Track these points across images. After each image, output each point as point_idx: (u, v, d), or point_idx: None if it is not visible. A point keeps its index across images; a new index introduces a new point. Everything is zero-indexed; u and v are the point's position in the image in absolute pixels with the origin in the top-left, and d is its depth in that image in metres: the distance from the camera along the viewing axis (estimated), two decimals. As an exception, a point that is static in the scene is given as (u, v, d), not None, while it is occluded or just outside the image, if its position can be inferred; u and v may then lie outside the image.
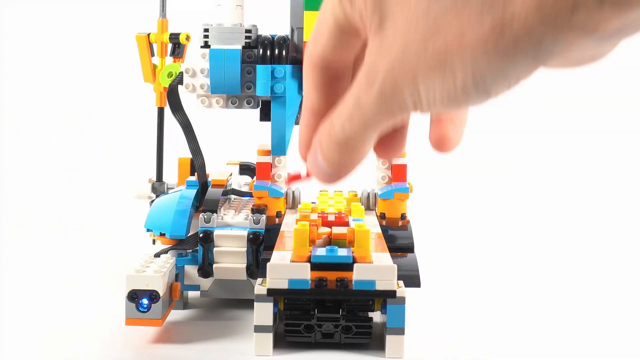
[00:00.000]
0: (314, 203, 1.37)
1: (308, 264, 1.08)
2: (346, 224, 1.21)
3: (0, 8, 2.36)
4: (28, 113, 2.30)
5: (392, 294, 1.07)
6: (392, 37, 0.59)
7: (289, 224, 1.28)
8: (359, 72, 0.62)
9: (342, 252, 1.09)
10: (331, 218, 1.23)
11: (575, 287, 1.50)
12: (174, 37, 1.53)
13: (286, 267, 1.08)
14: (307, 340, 1.14)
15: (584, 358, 1.17)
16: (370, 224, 1.22)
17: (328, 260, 1.08)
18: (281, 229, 1.26)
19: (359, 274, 1.07)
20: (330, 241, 1.18)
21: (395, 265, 1.08)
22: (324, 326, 1.12)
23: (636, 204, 2.07)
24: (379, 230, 1.26)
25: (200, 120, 1.46)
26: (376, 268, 1.08)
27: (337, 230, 1.18)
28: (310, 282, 1.07)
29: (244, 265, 1.26)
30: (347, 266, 1.08)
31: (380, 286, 1.07)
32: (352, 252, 1.10)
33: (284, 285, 1.07)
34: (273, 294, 1.08)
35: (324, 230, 1.18)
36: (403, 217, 1.32)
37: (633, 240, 1.82)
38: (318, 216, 1.24)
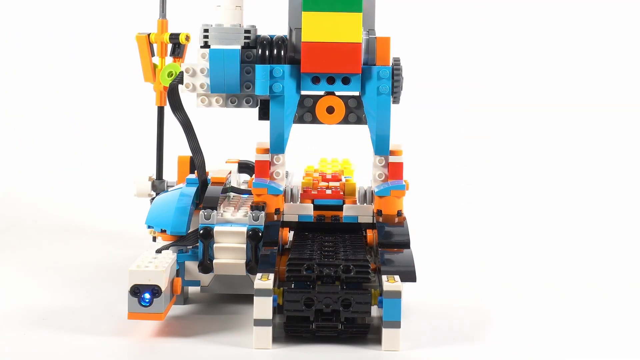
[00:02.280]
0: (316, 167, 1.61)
1: (312, 205, 1.36)
2: (339, 180, 1.48)
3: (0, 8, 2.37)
4: (28, 113, 2.31)
5: (371, 225, 1.35)
6: None
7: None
8: None
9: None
10: (328, 176, 1.51)
11: (572, 283, 1.51)
12: (174, 37, 1.54)
13: (297, 206, 1.36)
14: (305, 333, 1.16)
15: (579, 351, 1.19)
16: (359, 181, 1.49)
17: (325, 202, 1.38)
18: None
19: (347, 212, 1.37)
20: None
21: (372, 205, 1.36)
22: (324, 300, 1.15)
23: (636, 204, 2.07)
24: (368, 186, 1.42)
25: (200, 119, 1.48)
26: (358, 207, 1.37)
27: (332, 183, 1.47)
28: (313, 217, 1.35)
29: (244, 261, 1.28)
30: (339, 207, 1.37)
31: (361, 220, 1.36)
32: (343, 197, 1.39)
33: (295, 218, 1.35)
34: (285, 225, 1.34)
35: (323, 184, 1.47)
36: (399, 213, 1.34)
37: (633, 240, 1.83)
38: (319, 174, 1.51)
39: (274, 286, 1.16)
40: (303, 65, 1.31)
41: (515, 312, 1.34)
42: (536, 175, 2.19)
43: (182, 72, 1.36)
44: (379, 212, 1.34)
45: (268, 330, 1.14)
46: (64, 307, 1.32)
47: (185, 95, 1.36)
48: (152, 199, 1.54)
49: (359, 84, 1.32)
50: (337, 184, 1.46)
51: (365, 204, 1.39)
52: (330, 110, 1.34)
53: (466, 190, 2.13)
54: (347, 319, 1.17)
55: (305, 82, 1.32)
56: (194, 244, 1.30)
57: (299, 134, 1.44)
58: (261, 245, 1.27)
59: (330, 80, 1.32)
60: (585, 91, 2.33)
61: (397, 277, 1.17)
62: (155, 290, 1.17)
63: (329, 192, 1.40)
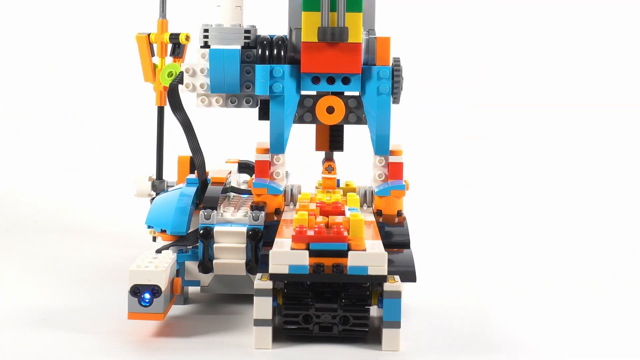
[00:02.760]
0: (313, 194, 1.40)
1: (307, 251, 1.13)
2: (342, 213, 1.26)
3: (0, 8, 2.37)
4: (28, 113, 2.31)
5: (383, 278, 1.13)
6: None
7: (289, 215, 1.32)
8: None
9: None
10: (328, 208, 1.27)
11: (572, 283, 1.51)
12: (174, 37, 1.55)
13: (287, 254, 1.13)
14: (305, 334, 1.16)
15: (579, 351, 1.19)
16: (366, 213, 1.29)
17: (325, 247, 1.14)
18: (282, 218, 1.30)
19: (353, 260, 1.13)
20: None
21: (386, 253, 1.14)
22: (322, 317, 1.15)
23: (636, 204, 2.08)
24: (373, 219, 1.30)
25: (200, 119, 1.48)
26: (369, 255, 1.13)
27: (334, 217, 1.23)
28: (308, 267, 1.13)
29: (244, 261, 1.28)
30: (343, 253, 1.13)
31: (372, 271, 1.13)
32: (347, 240, 1.15)
33: (285, 270, 1.12)
34: (275, 278, 1.13)
35: (322, 219, 1.23)
36: (399, 213, 1.34)
37: (633, 240, 1.83)
38: (316, 206, 1.28)
39: (273, 286, 1.16)
40: (303, 65, 1.31)
41: (515, 312, 1.34)
42: (536, 175, 2.20)
43: (182, 72, 1.36)
44: (379, 212, 1.34)
45: (268, 330, 1.14)
46: (64, 307, 1.32)
47: (185, 95, 1.36)
48: (152, 199, 1.54)
49: (359, 84, 1.32)
50: (340, 219, 1.23)
51: (374, 249, 1.16)
52: (330, 110, 1.34)
53: (466, 190, 2.13)
54: (346, 330, 1.16)
55: (305, 82, 1.33)
56: (194, 244, 1.30)
57: (299, 134, 1.44)
58: (261, 245, 1.27)
59: (330, 80, 1.32)
60: (585, 91, 2.33)
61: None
62: (155, 290, 1.17)
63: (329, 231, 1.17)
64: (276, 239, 1.20)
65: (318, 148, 1.42)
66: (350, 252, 1.13)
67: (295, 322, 1.16)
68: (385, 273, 1.13)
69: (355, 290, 1.15)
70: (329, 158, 1.42)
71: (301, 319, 1.15)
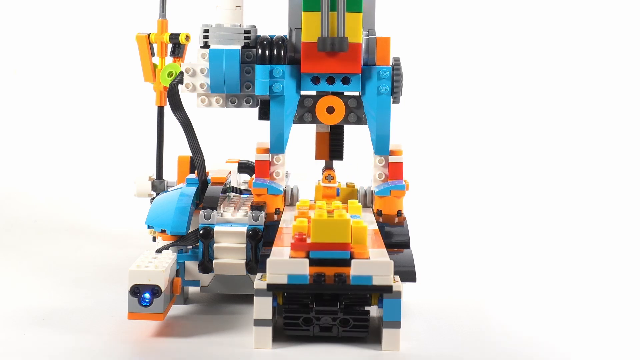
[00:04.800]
0: (312, 201, 1.39)
1: (307, 260, 1.11)
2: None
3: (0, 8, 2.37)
4: (28, 113, 2.31)
5: (388, 289, 1.10)
6: None
7: (288, 221, 1.30)
8: None
9: None
10: (329, 209, 1.25)
11: (572, 283, 1.51)
12: (174, 37, 1.55)
13: (285, 262, 1.11)
14: (305, 334, 1.16)
15: (579, 351, 1.19)
16: (367, 221, 1.25)
17: (326, 256, 1.11)
18: (280, 225, 1.28)
19: (356, 269, 1.10)
20: None
21: (392, 262, 1.11)
22: (322, 319, 1.15)
23: (636, 204, 2.07)
24: (376, 227, 1.28)
25: (200, 119, 1.48)
26: (373, 264, 1.11)
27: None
28: (309, 277, 1.10)
29: (244, 261, 1.28)
30: (345, 262, 1.11)
31: (376, 281, 1.10)
32: (350, 248, 1.12)
33: (284, 280, 1.10)
34: (273, 288, 1.11)
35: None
36: (399, 213, 1.34)
37: (633, 240, 1.83)
38: (316, 212, 1.24)
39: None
40: (303, 65, 1.31)
41: (515, 312, 1.34)
42: (536, 175, 2.20)
43: (182, 72, 1.36)
44: (379, 212, 1.34)
45: (268, 330, 1.14)
46: (64, 307, 1.32)
47: (185, 95, 1.37)
48: (152, 199, 1.54)
49: (359, 84, 1.32)
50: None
51: (378, 257, 1.14)
52: (330, 110, 1.34)
53: (466, 190, 2.13)
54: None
55: (305, 82, 1.33)
56: (194, 244, 1.30)
57: (299, 134, 1.44)
58: (261, 245, 1.27)
59: (330, 80, 1.32)
60: (585, 91, 2.33)
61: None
62: (155, 290, 1.17)
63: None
64: (274, 248, 1.17)
65: (318, 157, 1.42)
66: (353, 261, 1.10)
67: (295, 325, 1.16)
68: (391, 283, 1.09)
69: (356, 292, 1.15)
70: (328, 167, 1.42)
71: (301, 322, 1.15)
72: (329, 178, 1.41)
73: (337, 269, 1.11)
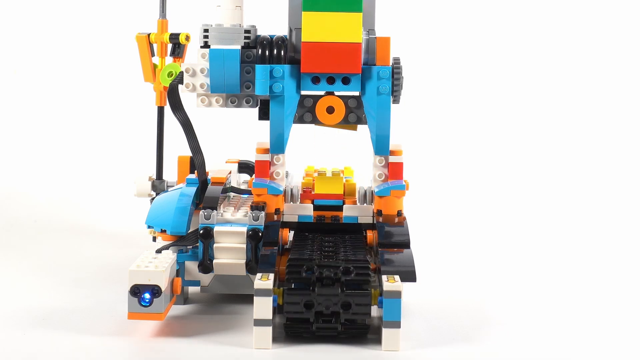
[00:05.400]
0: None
1: (312, 205, 1.36)
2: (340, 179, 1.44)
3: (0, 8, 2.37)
4: (28, 113, 2.31)
5: (371, 226, 1.35)
6: None
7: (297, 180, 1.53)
8: None
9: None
10: (329, 174, 1.48)
11: (572, 283, 1.51)
12: (174, 37, 1.55)
13: (297, 207, 1.36)
14: (306, 327, 1.16)
15: (579, 351, 1.19)
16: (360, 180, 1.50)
17: (325, 203, 1.37)
18: (289, 184, 1.45)
19: (347, 212, 1.37)
20: None
21: (372, 205, 1.36)
22: (324, 302, 1.15)
23: (636, 204, 2.07)
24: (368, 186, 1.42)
25: (200, 119, 1.48)
26: (358, 207, 1.37)
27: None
28: (313, 217, 1.35)
29: (244, 261, 1.28)
30: (339, 207, 1.37)
31: (361, 220, 1.36)
32: (342, 198, 1.39)
33: (295, 219, 1.35)
34: (285, 226, 1.33)
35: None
36: (399, 213, 1.34)
37: (633, 240, 1.83)
38: (319, 174, 1.47)
39: (274, 286, 1.16)
40: (303, 65, 1.31)
41: (515, 312, 1.34)
42: (536, 175, 2.20)
43: (182, 72, 1.36)
44: (379, 212, 1.34)
45: (268, 330, 1.14)
46: (64, 307, 1.32)
47: (185, 95, 1.37)
48: (152, 199, 1.54)
49: (359, 84, 1.32)
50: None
51: (365, 204, 1.39)
52: (330, 110, 1.34)
53: (466, 190, 2.13)
54: (347, 320, 1.17)
55: (305, 82, 1.33)
56: (194, 244, 1.30)
57: (299, 134, 1.44)
58: (261, 245, 1.27)
59: (330, 80, 1.32)
60: (585, 91, 2.33)
61: (397, 277, 1.17)
62: (155, 290, 1.17)
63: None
64: (285, 204, 1.37)
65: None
66: (344, 206, 1.37)
67: (297, 311, 1.15)
68: (372, 221, 1.35)
69: (357, 272, 1.16)
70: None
71: (303, 306, 1.15)
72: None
73: (333, 213, 1.37)
